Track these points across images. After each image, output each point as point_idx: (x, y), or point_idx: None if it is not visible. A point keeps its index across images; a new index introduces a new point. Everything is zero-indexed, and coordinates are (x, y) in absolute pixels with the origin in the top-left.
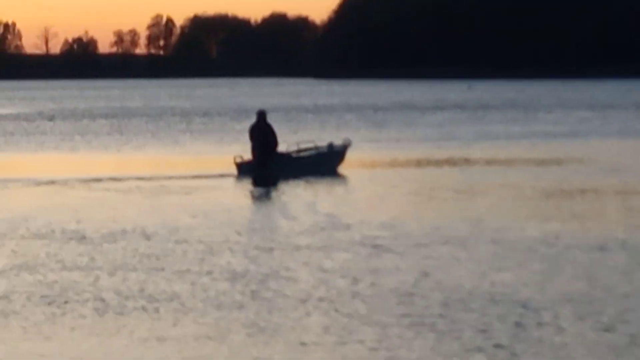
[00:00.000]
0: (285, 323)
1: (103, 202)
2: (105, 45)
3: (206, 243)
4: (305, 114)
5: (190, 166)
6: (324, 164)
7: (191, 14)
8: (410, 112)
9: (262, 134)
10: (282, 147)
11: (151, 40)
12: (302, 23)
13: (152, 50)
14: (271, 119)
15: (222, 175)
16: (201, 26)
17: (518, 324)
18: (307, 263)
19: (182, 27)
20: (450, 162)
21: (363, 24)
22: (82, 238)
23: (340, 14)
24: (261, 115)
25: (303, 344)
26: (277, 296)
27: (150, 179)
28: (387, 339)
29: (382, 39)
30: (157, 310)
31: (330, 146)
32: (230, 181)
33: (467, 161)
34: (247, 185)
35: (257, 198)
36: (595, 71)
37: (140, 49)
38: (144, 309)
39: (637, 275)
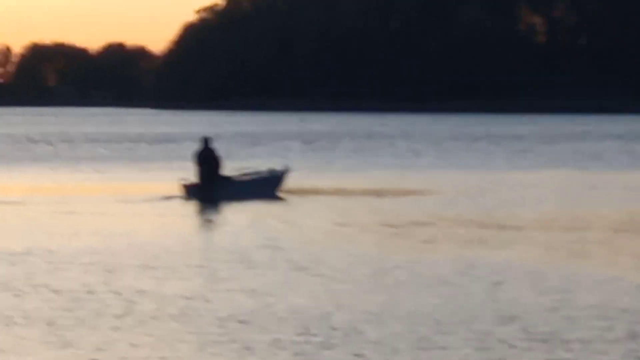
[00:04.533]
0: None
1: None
2: None
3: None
4: (140, 144)
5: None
6: (265, 187)
7: (29, 42)
8: (247, 142)
9: (207, 158)
10: (225, 171)
11: None
12: (140, 53)
13: None
14: (104, 148)
15: (168, 198)
16: (39, 54)
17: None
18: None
19: (20, 55)
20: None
21: (202, 54)
22: None
23: (179, 44)
24: (206, 140)
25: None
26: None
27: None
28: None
29: (222, 70)
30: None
31: (271, 171)
32: (177, 202)
33: (314, 191)
34: (192, 206)
35: (200, 219)
36: (436, 105)
37: None
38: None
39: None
